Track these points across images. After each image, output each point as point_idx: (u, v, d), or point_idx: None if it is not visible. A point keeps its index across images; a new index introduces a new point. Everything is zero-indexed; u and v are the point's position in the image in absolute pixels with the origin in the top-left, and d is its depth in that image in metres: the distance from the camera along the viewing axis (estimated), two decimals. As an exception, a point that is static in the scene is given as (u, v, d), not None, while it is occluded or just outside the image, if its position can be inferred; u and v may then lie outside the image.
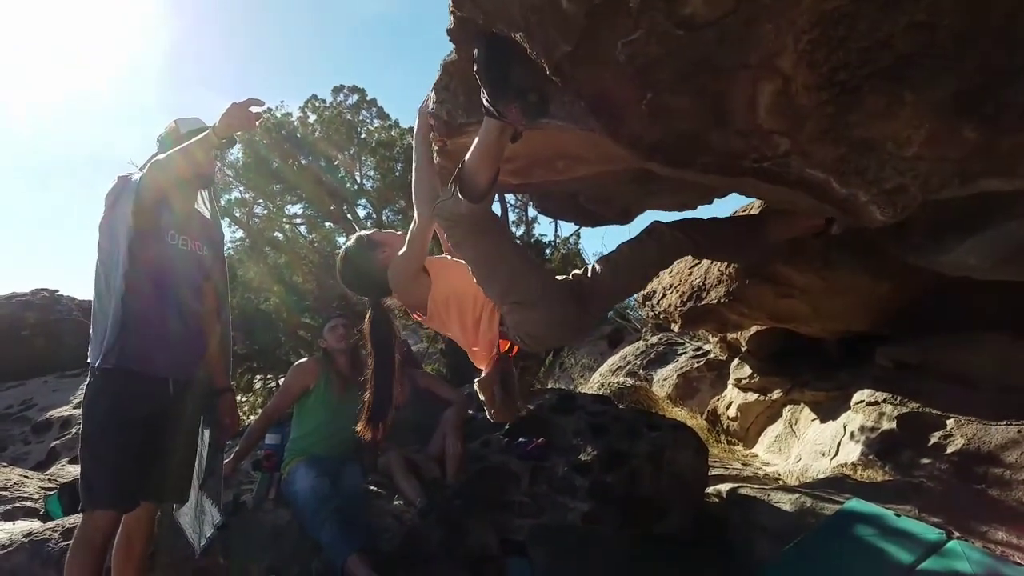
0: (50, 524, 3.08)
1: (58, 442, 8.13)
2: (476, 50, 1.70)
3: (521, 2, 1.44)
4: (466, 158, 1.93)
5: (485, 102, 1.72)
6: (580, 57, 1.47)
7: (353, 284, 2.70)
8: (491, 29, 1.63)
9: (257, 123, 2.41)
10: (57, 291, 12.31)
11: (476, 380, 2.60)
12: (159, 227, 2.47)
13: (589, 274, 2.51)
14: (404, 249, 2.42)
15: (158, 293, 2.45)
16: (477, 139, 1.87)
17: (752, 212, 3.77)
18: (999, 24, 1.31)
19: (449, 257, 2.60)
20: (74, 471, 6.53)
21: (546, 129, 1.85)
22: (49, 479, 4.81)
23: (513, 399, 2.58)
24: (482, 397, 2.58)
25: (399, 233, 2.62)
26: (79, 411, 8.95)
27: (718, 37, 1.35)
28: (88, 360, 2.47)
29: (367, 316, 2.68)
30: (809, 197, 1.67)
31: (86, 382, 2.46)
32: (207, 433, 2.73)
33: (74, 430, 8.13)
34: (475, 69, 1.69)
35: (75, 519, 3.05)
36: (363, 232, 2.73)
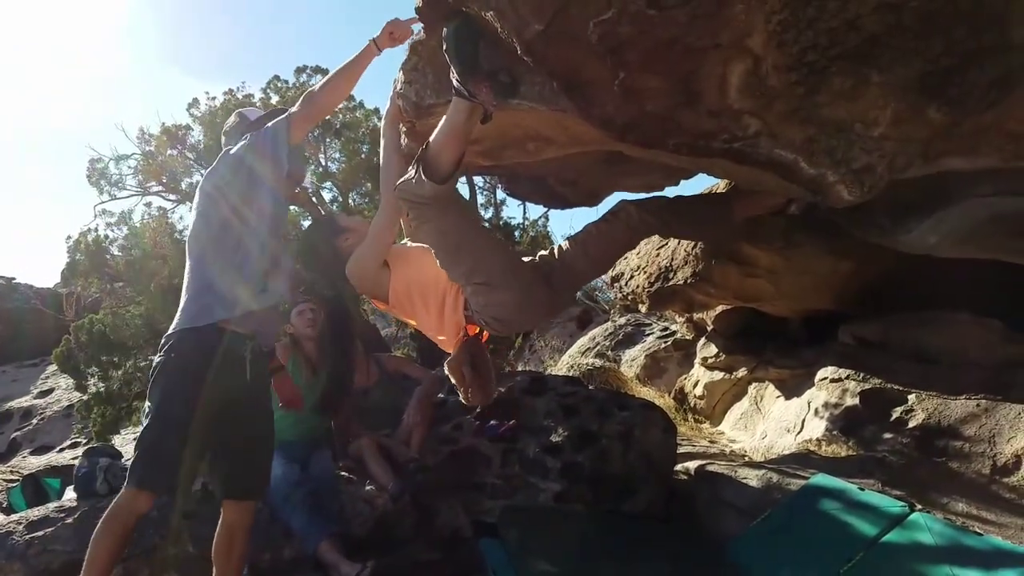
0: (14, 517, 3.02)
1: (19, 433, 7.99)
2: (445, 29, 1.68)
3: (492, -21, 1.42)
4: (431, 138, 1.91)
5: (455, 82, 1.70)
6: (551, 36, 1.46)
7: (312, 266, 2.67)
8: (462, 7, 1.61)
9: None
10: (14, 279, 12.01)
11: (446, 362, 2.59)
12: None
13: (557, 255, 2.50)
14: (367, 243, 2.39)
15: (265, 250, 2.36)
16: (444, 119, 1.86)
17: (718, 191, 3.81)
18: (967, 6, 1.33)
19: (409, 243, 2.57)
20: (36, 463, 6.42)
21: (516, 110, 1.84)
22: (11, 471, 4.73)
23: (486, 380, 2.57)
24: (452, 379, 2.57)
25: (366, 220, 2.59)
26: (40, 401, 8.84)
27: (689, 17, 1.35)
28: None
29: (326, 303, 2.66)
30: (778, 178, 1.69)
31: (169, 344, 2.29)
32: None
33: (35, 421, 8.03)
34: (444, 48, 1.67)
35: (40, 512, 2.98)
36: (325, 214, 2.70)
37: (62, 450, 7.29)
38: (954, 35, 1.39)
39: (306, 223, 7.28)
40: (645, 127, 1.59)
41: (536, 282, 2.36)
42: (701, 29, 1.38)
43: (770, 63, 1.43)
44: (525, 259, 2.52)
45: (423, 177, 1.94)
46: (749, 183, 2.38)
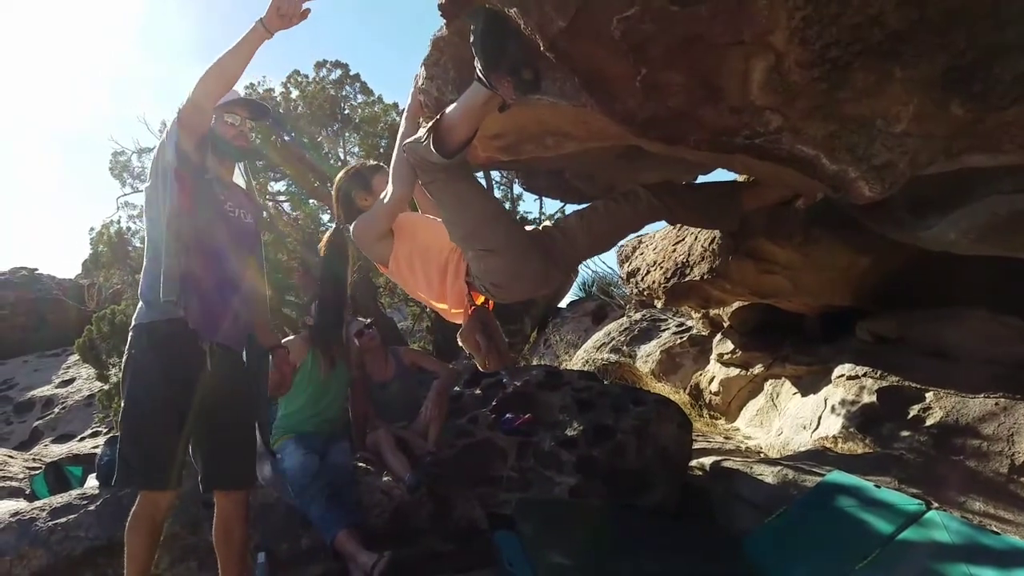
0: (37, 504, 3.07)
1: (40, 422, 8.11)
2: (473, 24, 1.69)
3: (517, -23, 1.43)
4: (447, 111, 1.94)
5: (479, 73, 1.72)
6: (574, 33, 1.47)
7: (335, 200, 2.75)
8: (487, 4, 1.61)
9: (304, 19, 2.20)
10: (36, 269, 12.18)
11: (459, 334, 2.62)
12: (208, 175, 2.37)
13: (560, 228, 2.53)
14: (370, 219, 2.43)
15: (216, 251, 2.37)
16: (462, 97, 1.88)
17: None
18: (990, 1, 1.32)
19: (418, 212, 2.62)
20: (58, 451, 6.53)
21: (536, 106, 1.85)
22: (33, 459, 4.80)
23: (498, 346, 2.60)
24: (467, 350, 2.60)
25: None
26: (62, 390, 8.98)
27: (712, 13, 1.35)
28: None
29: (325, 235, 2.71)
30: (799, 173, 1.69)
31: (130, 340, 2.35)
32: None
33: (56, 410, 8.16)
34: (471, 41, 1.69)
35: (62, 499, 3.04)
36: (370, 166, 2.75)
37: (83, 439, 7.40)
38: (977, 30, 1.38)
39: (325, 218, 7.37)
40: (666, 123, 1.60)
41: (535, 252, 2.40)
42: (724, 25, 1.38)
43: (792, 59, 1.43)
44: (528, 228, 2.55)
45: (432, 147, 1.97)
46: (769, 179, 2.38)
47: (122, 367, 2.38)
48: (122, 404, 2.34)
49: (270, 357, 2.62)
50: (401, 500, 3.11)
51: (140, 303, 2.39)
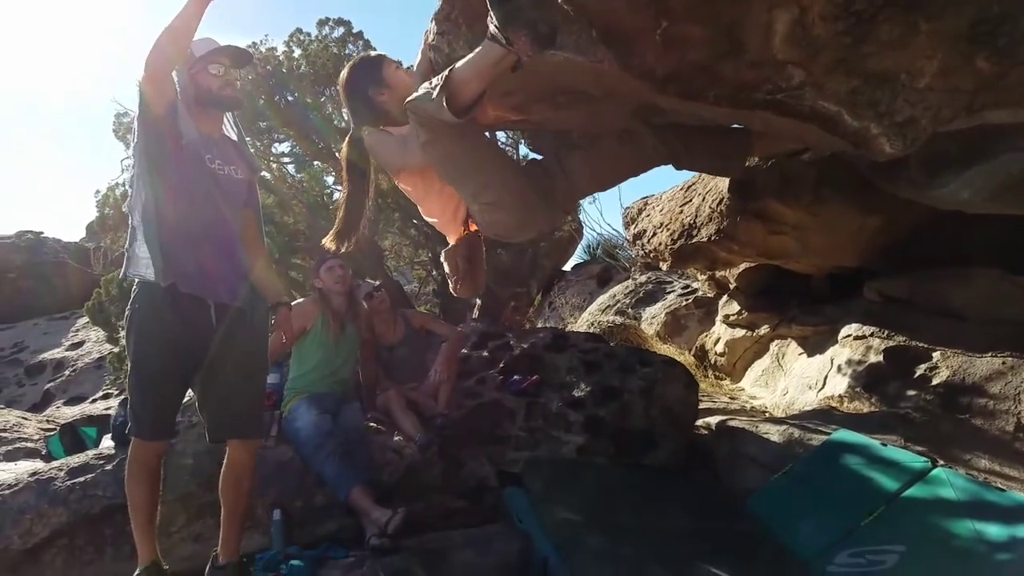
0: (55, 464, 3.12)
1: (52, 384, 8.20)
2: None
3: (534, -73, 1.39)
4: (456, 66, 1.90)
5: (493, 28, 1.68)
6: None
7: (344, 99, 2.67)
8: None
9: None
10: (42, 233, 12.17)
11: (443, 251, 2.64)
12: (185, 139, 2.33)
13: (562, 165, 2.52)
14: (394, 150, 2.42)
15: (197, 211, 2.36)
16: (474, 54, 1.85)
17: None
18: (1020, -50, 1.29)
19: None
20: (70, 413, 6.62)
21: (548, 63, 1.82)
22: (47, 420, 4.85)
23: (478, 274, 2.62)
24: (446, 268, 2.62)
25: (409, 77, 2.57)
26: (72, 353, 9.03)
27: (735, -37, 1.32)
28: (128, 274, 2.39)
29: (345, 140, 2.69)
30: (820, 130, 1.67)
31: (133, 296, 2.38)
32: None
33: (67, 372, 8.24)
34: None
35: (80, 459, 3.08)
36: (377, 56, 2.65)
37: (94, 400, 7.50)
38: (1006, -19, 1.35)
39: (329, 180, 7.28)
40: (686, 78, 1.57)
41: (538, 202, 2.41)
42: (748, -23, 1.35)
43: (816, 12, 1.40)
44: (531, 159, 2.53)
45: (444, 104, 1.94)
46: (786, 133, 2.35)
47: (126, 323, 2.42)
48: (129, 359, 2.38)
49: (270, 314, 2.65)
50: (413, 459, 3.15)
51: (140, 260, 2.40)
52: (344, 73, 2.56)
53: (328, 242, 2.59)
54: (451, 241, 2.61)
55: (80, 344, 9.00)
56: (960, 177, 2.56)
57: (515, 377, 3.68)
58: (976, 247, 3.70)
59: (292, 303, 3.77)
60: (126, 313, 2.42)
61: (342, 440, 3.06)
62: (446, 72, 1.91)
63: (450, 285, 2.65)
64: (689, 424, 3.70)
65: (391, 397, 3.46)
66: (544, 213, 2.42)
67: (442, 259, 2.60)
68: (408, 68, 2.77)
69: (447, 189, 2.45)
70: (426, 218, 2.71)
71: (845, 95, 1.54)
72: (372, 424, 3.41)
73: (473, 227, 2.53)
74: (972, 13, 1.38)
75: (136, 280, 2.38)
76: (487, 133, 2.62)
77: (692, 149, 2.64)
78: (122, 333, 6.89)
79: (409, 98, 2.07)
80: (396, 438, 3.29)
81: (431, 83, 1.96)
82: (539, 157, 3.12)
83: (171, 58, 2.22)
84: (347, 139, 2.61)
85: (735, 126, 2.62)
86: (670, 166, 2.81)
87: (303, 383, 3.37)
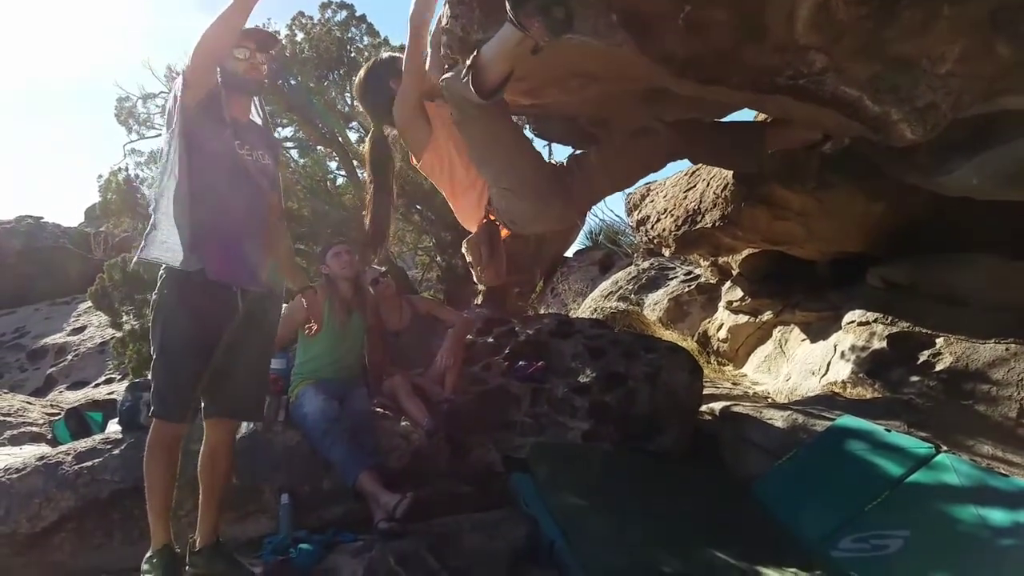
0: (62, 448, 3.11)
1: (55, 369, 8.20)
2: None
3: (555, -88, 1.37)
4: (483, 49, 1.92)
5: (509, 14, 1.68)
6: None
7: (363, 100, 2.73)
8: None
9: None
10: (42, 218, 12.14)
11: (465, 240, 2.67)
12: (224, 127, 2.36)
13: (579, 164, 2.54)
14: (402, 88, 2.44)
15: (231, 197, 2.37)
16: (496, 36, 1.86)
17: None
18: (1043, -65, 1.28)
19: None
20: (73, 397, 6.63)
21: (563, 46, 1.80)
22: (51, 405, 4.85)
23: (499, 262, 2.64)
24: (469, 257, 2.65)
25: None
26: (74, 338, 9.03)
27: (760, -53, 1.31)
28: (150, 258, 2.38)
29: (368, 137, 2.71)
30: (839, 115, 1.66)
31: (162, 281, 2.40)
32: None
33: (69, 357, 8.25)
34: None
35: (87, 443, 3.08)
36: (395, 55, 2.72)
37: (97, 385, 7.50)
38: (1027, -34, 1.34)
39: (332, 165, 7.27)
40: (707, 63, 1.56)
41: (555, 196, 2.45)
42: (772, -40, 1.34)
43: (841, -4, 1.40)
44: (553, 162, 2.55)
45: (470, 85, 1.96)
46: (802, 120, 2.34)
47: (152, 307, 2.44)
48: (155, 343, 2.39)
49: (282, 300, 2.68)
50: (419, 444, 3.16)
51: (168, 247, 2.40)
52: (361, 73, 2.60)
53: (362, 255, 2.64)
54: (471, 230, 2.62)
55: (82, 329, 8.99)
56: (969, 163, 2.55)
57: (520, 363, 3.68)
58: (978, 233, 3.70)
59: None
60: (152, 298, 2.44)
61: (349, 425, 3.06)
62: (474, 54, 1.92)
63: (474, 274, 2.67)
64: (693, 410, 3.72)
65: (397, 383, 3.46)
66: (560, 209, 2.44)
67: (464, 249, 2.62)
68: None
69: (469, 176, 2.47)
70: (451, 201, 2.72)
71: (867, 80, 1.53)
72: (379, 409, 3.42)
73: (492, 215, 2.53)
74: None
75: (163, 265, 2.39)
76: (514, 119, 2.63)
77: (708, 143, 2.65)
78: (125, 318, 6.97)
79: (444, 77, 2.09)
80: (403, 423, 3.30)
81: (463, 63, 1.98)
82: (543, 142, 3.13)
83: (217, 50, 2.27)
84: (370, 138, 2.64)
85: (749, 120, 2.63)
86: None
87: (310, 368, 3.38)
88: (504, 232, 2.65)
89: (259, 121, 2.64)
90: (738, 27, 1.50)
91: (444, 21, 2.16)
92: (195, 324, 2.34)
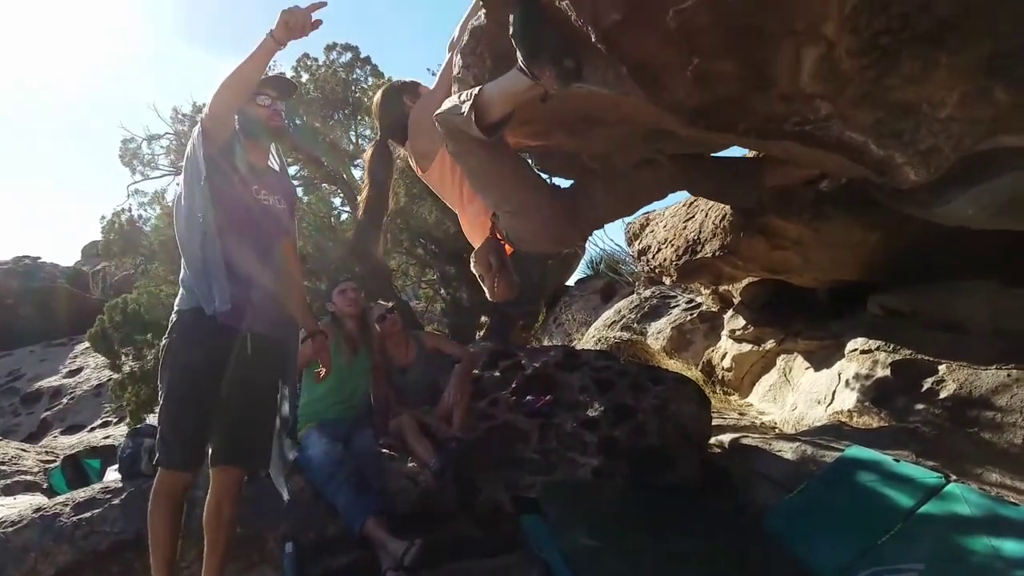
0: (59, 499, 3.04)
1: (49, 412, 8.10)
2: (512, 14, 1.68)
3: (571, -29, 1.42)
4: (486, 87, 1.95)
5: (520, 64, 1.72)
6: (628, 25, 1.46)
7: (377, 112, 2.82)
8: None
9: (315, 29, 2.27)
10: (39, 258, 12.13)
11: (471, 256, 2.69)
12: (239, 174, 2.40)
13: (584, 189, 2.57)
14: (430, 93, 2.52)
15: (244, 242, 2.39)
16: (504, 78, 1.90)
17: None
18: (1033, -14, 1.32)
19: None
20: (68, 442, 6.53)
21: (574, 93, 1.84)
22: (47, 451, 4.78)
23: (508, 271, 2.65)
24: (478, 271, 2.65)
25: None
26: (70, 380, 8.95)
27: (767, 4, 1.35)
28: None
29: (370, 146, 2.76)
30: (845, 159, 1.69)
31: (172, 325, 2.41)
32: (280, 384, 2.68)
33: (65, 400, 8.14)
34: (511, 32, 1.68)
35: (86, 493, 3.03)
36: (416, 81, 2.81)
37: (93, 429, 7.39)
38: (1021, 15, 1.38)
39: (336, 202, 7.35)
40: (716, 112, 1.60)
41: (560, 218, 2.47)
42: (778, 15, 1.38)
43: (843, 47, 1.43)
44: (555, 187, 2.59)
45: (472, 120, 1.99)
46: (804, 161, 2.38)
47: (162, 351, 2.44)
48: (162, 388, 2.38)
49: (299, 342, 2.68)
50: (427, 486, 3.12)
51: (181, 289, 2.44)
52: (382, 89, 2.67)
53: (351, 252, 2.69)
54: (475, 244, 2.65)
55: (78, 371, 8.90)
56: (966, 194, 2.59)
57: (528, 397, 3.67)
58: (976, 261, 3.74)
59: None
60: (162, 343, 2.44)
61: (355, 468, 3.02)
62: (476, 90, 1.96)
63: (486, 291, 2.67)
64: (703, 442, 3.70)
65: (404, 422, 3.43)
66: (565, 231, 2.48)
67: (472, 265, 2.63)
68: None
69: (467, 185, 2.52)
70: (459, 214, 2.76)
71: (870, 126, 1.56)
72: (385, 450, 3.39)
73: (498, 233, 2.56)
74: (990, 46, 1.42)
75: (175, 309, 2.40)
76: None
77: (708, 178, 2.70)
78: (123, 359, 6.92)
79: (438, 111, 2.12)
80: (410, 464, 3.27)
81: (460, 98, 2.01)
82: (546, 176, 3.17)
83: (234, 100, 2.33)
84: (374, 145, 2.70)
85: (750, 157, 2.67)
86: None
87: (314, 410, 3.34)
88: (508, 249, 2.67)
89: (276, 167, 2.67)
90: (745, 78, 1.54)
91: (456, 71, 2.20)
92: (204, 369, 2.33)
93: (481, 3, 1.84)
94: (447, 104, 2.10)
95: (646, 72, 1.55)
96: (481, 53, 2.04)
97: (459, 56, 2.15)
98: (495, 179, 2.31)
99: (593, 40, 1.53)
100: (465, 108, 1.99)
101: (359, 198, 2.83)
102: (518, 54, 1.71)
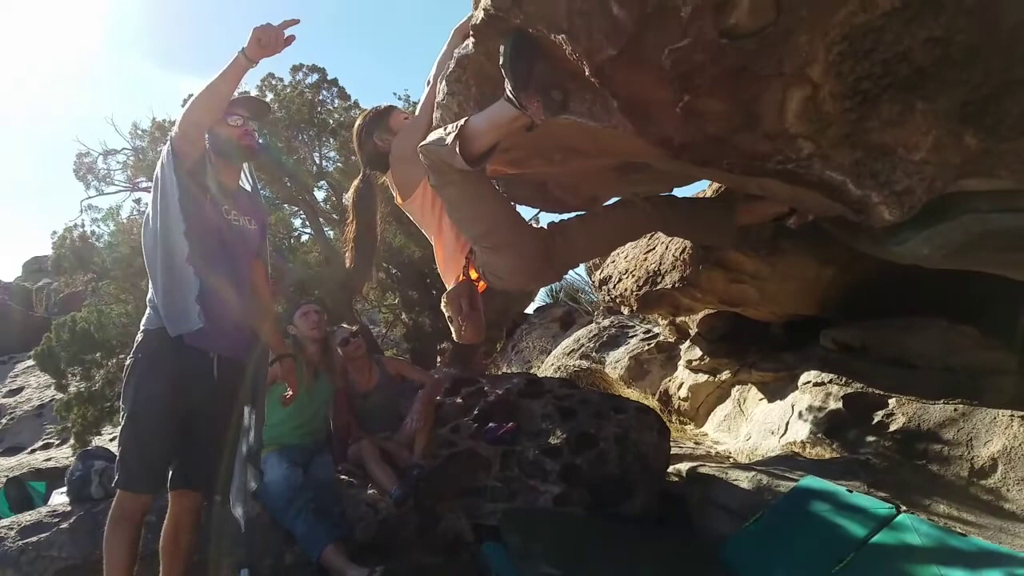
0: (4, 522, 2.92)
1: (-10, 433, 7.68)
2: (502, 45, 1.71)
3: (569, 6, 1.47)
4: (471, 118, 1.96)
5: (508, 93, 1.73)
6: (623, 61, 1.50)
7: (356, 143, 2.81)
8: (527, 28, 1.63)
9: (288, 45, 2.24)
10: (-18, 274, 11.56)
11: (443, 295, 2.68)
12: (209, 194, 2.35)
13: (561, 230, 2.61)
14: (411, 125, 2.52)
15: (214, 263, 2.34)
16: (490, 109, 1.91)
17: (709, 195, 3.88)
18: (1006, 40, 1.41)
19: None
20: (6, 464, 6.19)
21: (557, 122, 1.87)
22: (-16, 473, 4.54)
23: (479, 315, 2.65)
24: (448, 312, 2.65)
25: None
26: (9, 400, 8.52)
27: (758, 46, 1.40)
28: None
29: (355, 181, 2.78)
30: (824, 196, 1.76)
31: (138, 344, 2.34)
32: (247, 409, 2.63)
33: (4, 420, 7.73)
34: (500, 62, 1.70)
35: (32, 516, 2.90)
36: (385, 107, 2.80)
37: (34, 451, 7.02)
38: (991, 66, 1.47)
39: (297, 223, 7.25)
40: (702, 147, 1.65)
41: (537, 257, 2.50)
42: (767, 58, 1.44)
43: (827, 90, 1.50)
44: (534, 226, 2.62)
45: (457, 151, 2.00)
46: (785, 198, 2.45)
47: (126, 370, 2.37)
48: (125, 408, 2.32)
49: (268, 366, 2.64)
50: (387, 513, 3.08)
51: (148, 309, 2.38)
52: (358, 120, 2.67)
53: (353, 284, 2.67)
54: (448, 282, 2.65)
55: (19, 390, 8.45)
56: (920, 235, 2.68)
57: (490, 425, 3.65)
58: (926, 298, 3.88)
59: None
60: (127, 363, 2.37)
61: (313, 495, 2.96)
62: (461, 122, 1.97)
63: (454, 332, 2.66)
64: (662, 471, 3.73)
65: (364, 448, 3.37)
66: (541, 269, 2.50)
67: (443, 305, 2.63)
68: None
69: (454, 228, 2.52)
70: (435, 248, 2.76)
71: (849, 166, 1.64)
72: (344, 477, 3.32)
73: (472, 272, 2.57)
74: (962, 94, 1.51)
75: (141, 328, 2.34)
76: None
77: (682, 217, 2.77)
78: (70, 379, 6.64)
79: (422, 143, 2.12)
80: (370, 491, 3.21)
81: (445, 130, 2.02)
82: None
83: (206, 118, 2.30)
84: (359, 178, 2.69)
85: (715, 187, 2.75)
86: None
87: (273, 435, 3.23)
88: (481, 286, 2.68)
89: (248, 187, 2.64)
90: (733, 116, 1.60)
91: (440, 97, 2.21)
92: (169, 390, 2.28)
93: (470, 33, 1.86)
94: (432, 136, 2.11)
95: (637, 107, 1.59)
96: (467, 81, 2.06)
97: (443, 83, 2.17)
98: (477, 212, 2.33)
99: (587, 74, 1.56)
100: (450, 139, 2.00)
101: (345, 233, 2.82)
102: (506, 83, 1.74)
